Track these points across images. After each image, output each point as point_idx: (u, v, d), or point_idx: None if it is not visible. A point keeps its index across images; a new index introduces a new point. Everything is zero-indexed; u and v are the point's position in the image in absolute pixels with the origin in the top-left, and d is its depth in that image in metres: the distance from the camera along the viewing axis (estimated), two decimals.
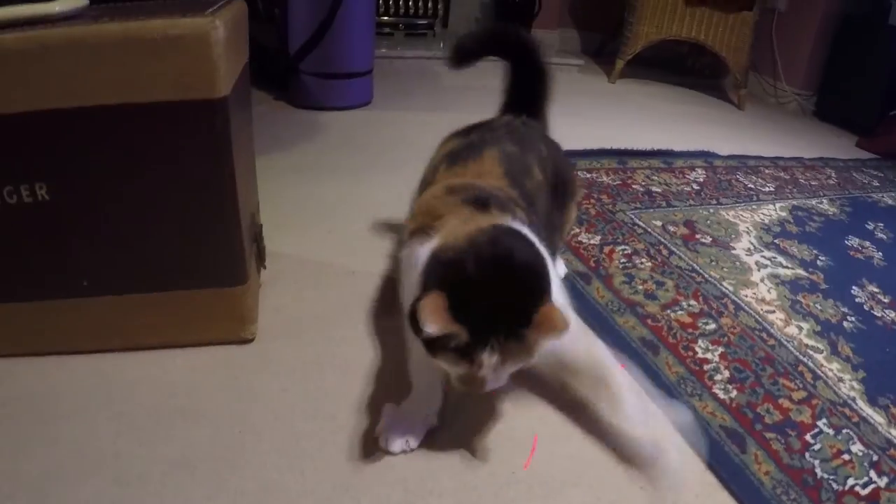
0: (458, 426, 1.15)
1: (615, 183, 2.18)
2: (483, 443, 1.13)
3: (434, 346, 0.89)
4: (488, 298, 0.87)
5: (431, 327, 0.83)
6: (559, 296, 0.99)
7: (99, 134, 1.06)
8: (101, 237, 1.13)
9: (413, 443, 1.08)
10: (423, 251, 0.97)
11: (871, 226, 2.27)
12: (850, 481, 1.16)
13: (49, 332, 1.19)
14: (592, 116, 2.54)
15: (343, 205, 1.84)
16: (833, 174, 2.70)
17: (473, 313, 0.86)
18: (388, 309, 1.39)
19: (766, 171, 2.53)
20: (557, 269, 1.23)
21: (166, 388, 1.15)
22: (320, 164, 2.08)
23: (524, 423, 1.18)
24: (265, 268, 1.44)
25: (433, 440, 1.12)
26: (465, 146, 1.24)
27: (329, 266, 1.55)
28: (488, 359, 0.88)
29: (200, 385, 1.17)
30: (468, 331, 0.86)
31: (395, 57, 3.33)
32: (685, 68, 4.03)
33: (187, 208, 1.14)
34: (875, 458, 1.22)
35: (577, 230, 1.82)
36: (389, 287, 1.49)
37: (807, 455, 1.20)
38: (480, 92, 1.69)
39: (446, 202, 1.03)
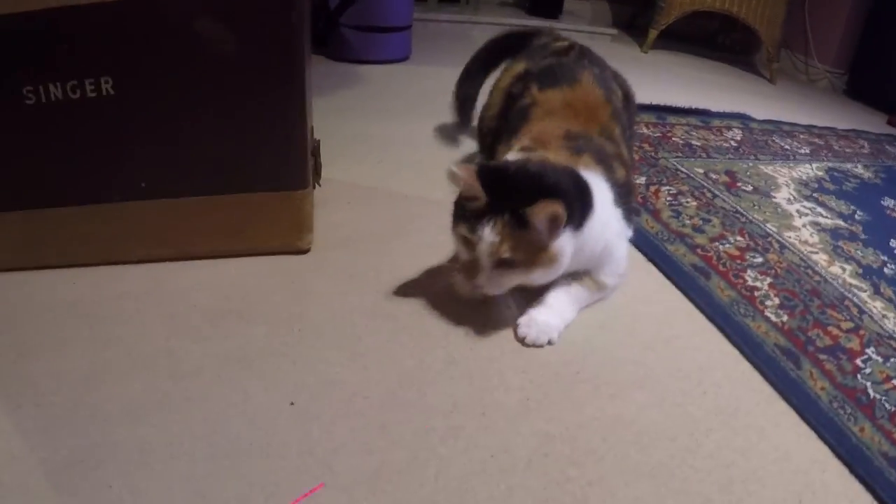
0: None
1: (655, 135, 2.19)
2: (546, 351, 1.14)
3: (457, 213, 1.06)
4: (507, 188, 1.02)
5: (461, 179, 1.02)
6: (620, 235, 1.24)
7: (170, 25, 1.03)
8: (165, 134, 1.10)
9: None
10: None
11: None
12: None
13: (101, 240, 1.15)
14: (629, 80, 2.56)
15: (389, 141, 1.85)
16: (866, 145, 2.70)
17: (492, 192, 1.01)
18: (443, 229, 1.39)
19: (801, 136, 2.53)
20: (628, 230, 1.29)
21: (221, 292, 1.14)
22: (364, 108, 2.09)
23: (584, 329, 1.19)
24: (320, 185, 1.44)
25: (501, 339, 1.14)
26: (548, 68, 1.37)
27: (381, 191, 1.56)
28: (489, 233, 1.00)
29: (256, 289, 1.16)
30: (486, 197, 1.01)
31: (430, 20, 3.34)
32: (716, 44, 4.01)
33: (257, 105, 1.12)
34: None
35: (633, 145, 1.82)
36: (443, 210, 1.50)
37: (858, 377, 1.22)
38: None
39: (560, 146, 1.17)
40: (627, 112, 1.43)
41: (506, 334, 1.16)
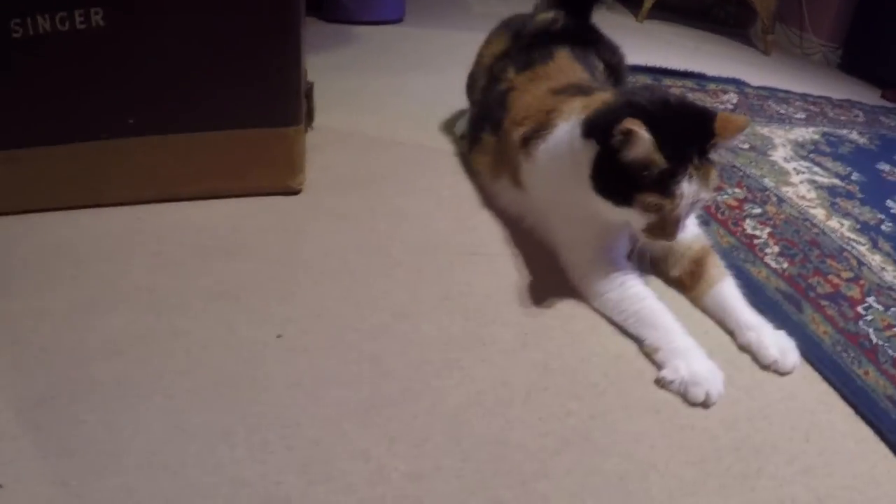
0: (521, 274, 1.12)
1: None
2: (543, 289, 1.10)
3: (628, 180, 0.93)
4: (675, 127, 0.92)
5: (638, 143, 0.89)
6: None
7: None
8: (155, 68, 1.06)
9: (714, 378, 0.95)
10: (563, 133, 1.05)
11: None
12: None
13: (85, 180, 1.11)
14: (623, 47, 2.54)
15: (383, 94, 1.82)
16: (861, 114, 2.68)
17: (666, 139, 0.90)
18: (441, 174, 1.37)
19: (796, 103, 2.51)
20: None
21: (208, 230, 1.10)
22: (360, 65, 2.06)
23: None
24: (312, 128, 1.41)
25: (497, 277, 1.10)
26: (525, 48, 1.35)
27: (375, 138, 1.54)
28: (688, 187, 0.92)
29: (246, 227, 1.12)
30: (666, 160, 0.91)
31: None
32: (712, 17, 3.98)
33: (250, 40, 1.08)
34: None
35: None
36: (437, 156, 1.46)
37: (860, 323, 1.19)
38: (511, 7, 1.69)
39: (555, 100, 1.12)
40: (612, 81, 1.39)
41: (502, 270, 1.12)
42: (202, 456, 0.72)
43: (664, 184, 0.92)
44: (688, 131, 0.94)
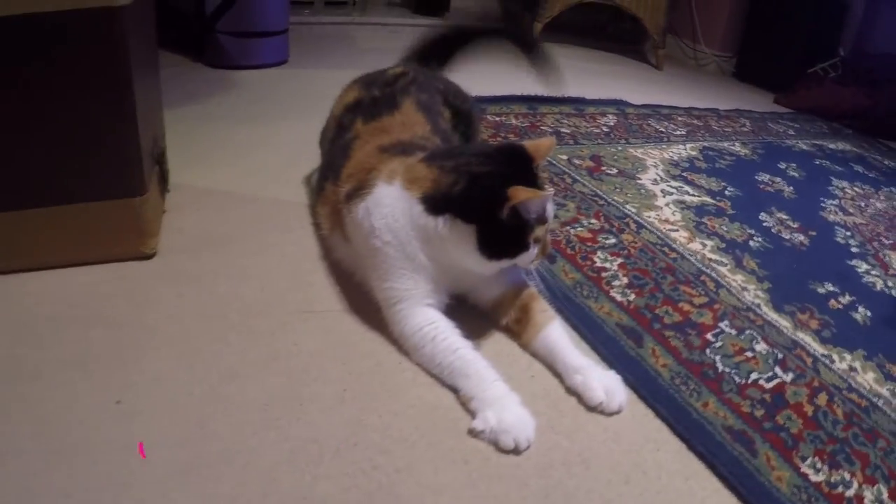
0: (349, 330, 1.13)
1: (523, 125, 2.20)
2: (369, 344, 1.12)
3: (525, 235, 1.05)
4: (518, 168, 1.08)
5: (541, 198, 1.02)
6: None
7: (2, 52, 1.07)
8: (2, 149, 1.13)
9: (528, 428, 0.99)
10: (385, 199, 1.11)
11: (783, 165, 2.34)
12: (754, 375, 1.20)
13: None
14: (507, 75, 2.59)
15: (251, 146, 1.85)
16: (748, 123, 2.78)
17: (530, 183, 1.04)
18: (290, 228, 1.44)
19: (679, 119, 2.59)
20: None
21: (66, 300, 1.15)
22: (233, 114, 2.08)
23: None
24: (168, 191, 1.45)
25: (325, 334, 1.11)
26: (374, 99, 1.40)
27: (233, 194, 1.57)
28: (550, 206, 1.08)
29: (99, 295, 1.17)
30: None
31: (314, 23, 3.33)
32: (606, 35, 4.09)
33: (88, 119, 1.15)
34: (780, 356, 1.25)
35: None
36: (291, 209, 1.51)
37: (707, 351, 1.22)
38: (394, 53, 1.74)
39: (378, 158, 1.19)
40: (462, 127, 1.48)
41: (332, 327, 1.16)
42: None
43: (542, 215, 1.06)
44: (520, 164, 1.08)
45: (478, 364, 1.03)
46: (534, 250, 1.08)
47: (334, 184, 1.27)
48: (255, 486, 0.86)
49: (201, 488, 0.84)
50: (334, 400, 1.00)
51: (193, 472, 0.86)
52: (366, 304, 1.19)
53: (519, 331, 1.15)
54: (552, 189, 1.11)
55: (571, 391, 1.07)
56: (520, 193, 1.00)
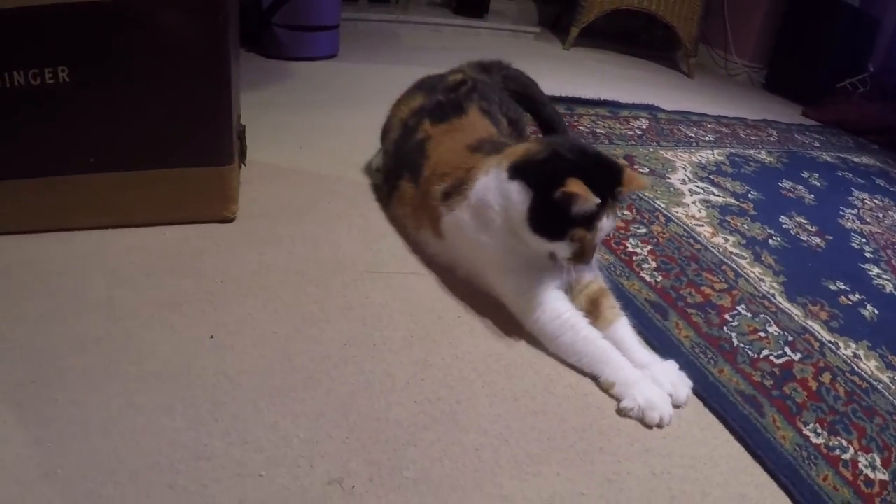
0: (413, 288, 1.34)
1: None
2: (431, 301, 1.33)
3: (565, 224, 1.15)
4: (595, 173, 1.15)
5: (588, 201, 1.11)
6: None
7: (117, 24, 1.26)
8: (111, 116, 1.31)
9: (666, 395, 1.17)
10: (483, 188, 1.25)
11: (805, 175, 2.51)
12: (765, 352, 1.37)
13: (52, 209, 1.35)
14: (545, 76, 2.77)
15: (312, 130, 2.04)
16: (775, 133, 2.95)
17: (590, 183, 1.12)
18: (356, 203, 1.65)
19: (708, 126, 2.77)
20: None
21: (157, 252, 1.34)
22: (291, 101, 2.28)
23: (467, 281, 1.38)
24: (245, 165, 1.64)
25: (392, 289, 1.32)
26: (439, 103, 1.54)
27: (301, 171, 1.77)
28: (606, 222, 1.17)
29: (187, 250, 1.36)
30: (599, 203, 1.14)
31: (360, 20, 3.52)
32: (639, 42, 4.28)
33: (189, 94, 1.35)
34: (790, 338, 1.43)
35: None
36: (354, 187, 1.73)
37: (725, 328, 1.41)
38: (438, 51, 1.94)
39: (473, 158, 1.33)
40: (516, 134, 1.60)
41: (398, 285, 1.36)
42: (148, 426, 0.95)
43: (591, 220, 1.15)
44: (605, 178, 1.17)
45: (613, 352, 1.19)
46: (569, 247, 1.17)
47: (413, 182, 1.44)
48: (336, 407, 1.04)
49: (289, 408, 1.02)
50: (403, 343, 1.20)
51: (281, 395, 1.04)
52: (427, 268, 1.41)
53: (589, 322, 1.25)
54: (618, 215, 1.24)
55: None
56: (575, 186, 1.10)
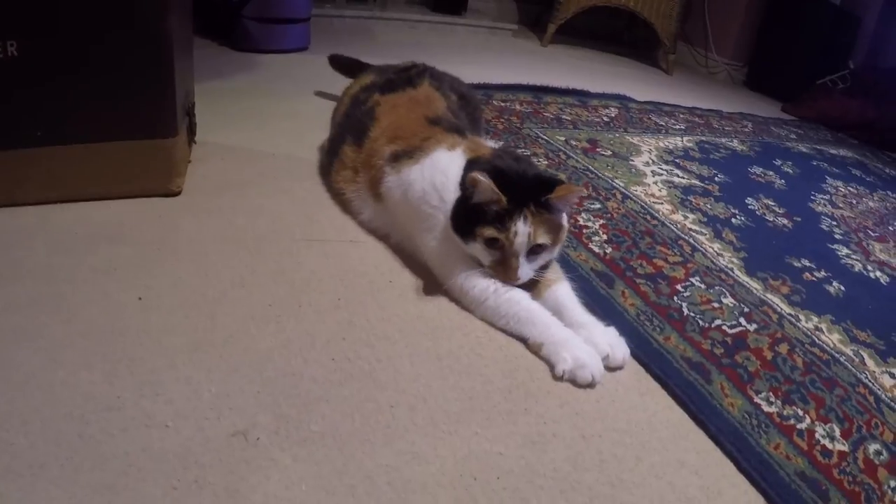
0: (347, 256, 1.31)
1: (527, 110, 2.36)
2: (362, 266, 1.30)
3: (475, 220, 1.15)
4: (519, 181, 1.17)
5: (482, 188, 1.12)
6: None
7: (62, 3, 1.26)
8: (59, 89, 1.32)
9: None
10: (440, 164, 1.27)
11: (778, 162, 2.48)
12: (718, 322, 1.34)
13: (2, 183, 1.33)
14: (521, 70, 2.76)
15: (271, 115, 2.06)
16: (750, 125, 2.92)
17: (509, 188, 1.14)
18: (301, 179, 1.65)
19: (681, 116, 2.74)
20: None
21: (99, 223, 1.33)
22: (256, 90, 2.30)
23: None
24: (195, 143, 1.65)
25: (323, 253, 1.27)
26: (389, 80, 1.61)
27: (253, 150, 1.77)
28: (522, 226, 1.14)
29: (129, 221, 1.36)
30: (507, 198, 1.13)
31: (335, 16, 3.52)
32: (620, 41, 4.26)
33: (129, 63, 1.35)
34: (746, 310, 1.39)
35: (483, 137, 1.98)
36: (304, 165, 1.73)
37: (675, 298, 1.37)
38: (412, 46, 1.95)
39: (432, 129, 1.36)
40: (468, 108, 1.66)
41: (332, 253, 1.34)
42: (66, 380, 0.95)
43: (502, 220, 1.13)
44: (529, 184, 1.17)
45: (541, 313, 1.16)
46: (486, 252, 1.18)
47: (356, 145, 1.45)
48: (252, 364, 1.02)
49: (205, 364, 1.01)
50: (329, 306, 1.18)
51: (199, 352, 1.03)
52: (365, 236, 1.39)
53: (530, 285, 1.24)
54: (557, 230, 1.21)
55: None
56: (477, 176, 1.12)
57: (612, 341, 1.16)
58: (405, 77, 1.62)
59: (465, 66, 1.82)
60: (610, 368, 1.14)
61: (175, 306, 1.13)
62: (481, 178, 1.12)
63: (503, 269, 1.17)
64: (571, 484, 0.91)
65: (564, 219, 1.23)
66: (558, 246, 1.23)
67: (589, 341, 1.14)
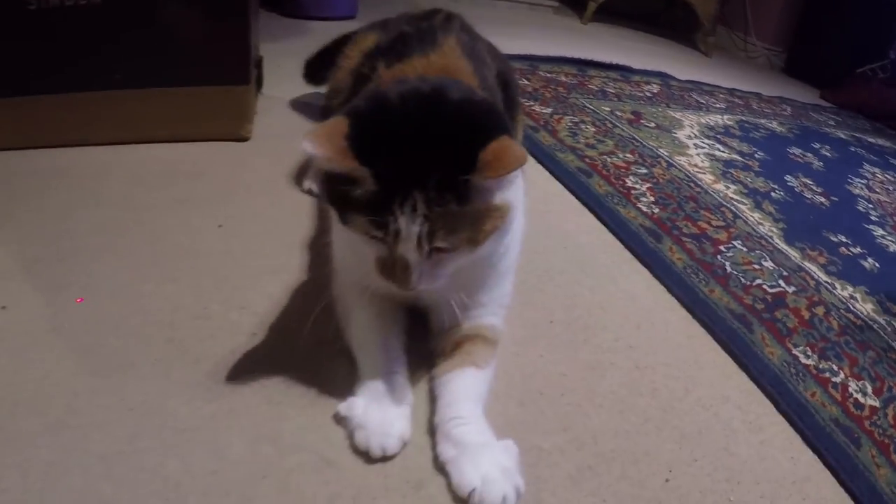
0: None
1: (572, 82, 2.46)
2: None
3: (345, 200, 0.78)
4: (412, 137, 0.75)
5: (318, 151, 0.74)
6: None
7: None
8: (136, 35, 1.42)
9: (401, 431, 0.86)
10: None
11: (816, 146, 2.56)
12: (759, 281, 1.43)
13: (77, 123, 1.44)
14: (562, 45, 2.85)
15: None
16: (789, 109, 3.00)
17: (389, 153, 0.74)
18: None
19: (721, 96, 2.83)
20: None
21: (174, 162, 1.45)
22: (308, 52, 2.37)
23: None
24: (262, 93, 1.77)
25: None
26: (402, 36, 1.08)
27: (312, 105, 1.87)
28: (407, 222, 0.74)
29: (203, 160, 1.48)
30: (374, 173, 0.74)
31: None
32: (659, 22, 4.34)
33: (213, 12, 1.47)
34: (785, 273, 1.49)
35: (531, 102, 2.09)
36: None
37: (719, 257, 1.47)
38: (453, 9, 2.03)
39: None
40: (505, 94, 1.13)
41: None
42: (154, 292, 1.06)
43: (376, 208, 0.75)
44: (430, 151, 0.75)
45: (379, 351, 0.93)
46: (369, 244, 0.81)
47: None
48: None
49: (286, 284, 1.13)
50: None
51: (280, 273, 1.15)
52: None
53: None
54: (483, 228, 0.80)
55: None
56: (313, 134, 0.76)
57: (490, 472, 0.80)
58: (423, 31, 1.06)
59: (507, 38, 1.90)
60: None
61: (254, 234, 1.24)
62: (319, 132, 0.75)
63: (390, 272, 0.81)
64: (628, 406, 1.02)
65: (505, 194, 0.80)
66: (491, 240, 0.83)
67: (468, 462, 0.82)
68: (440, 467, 0.84)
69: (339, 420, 0.87)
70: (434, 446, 0.86)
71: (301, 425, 0.88)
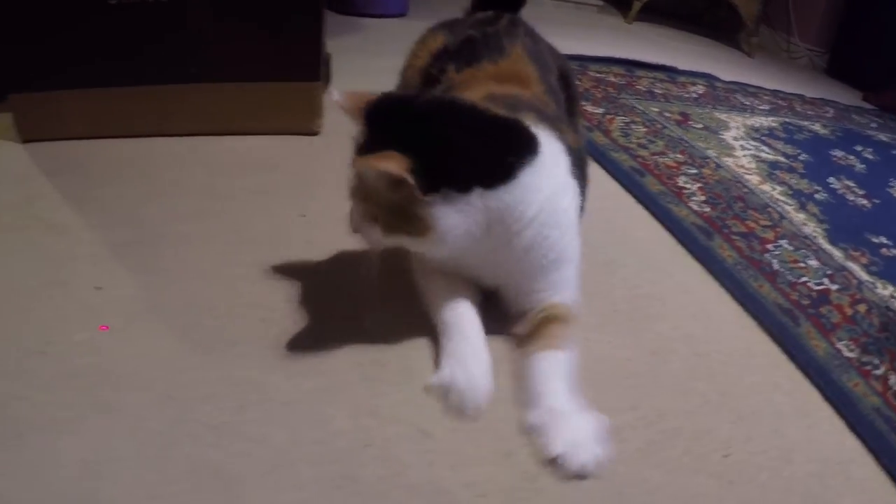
0: None
1: (621, 82, 2.56)
2: None
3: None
4: (388, 125, 0.97)
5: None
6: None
7: None
8: (212, 31, 1.53)
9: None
10: None
11: (859, 148, 2.62)
12: (804, 279, 1.52)
13: (154, 115, 1.55)
14: (608, 45, 2.94)
15: (382, 72, 2.19)
16: (832, 111, 3.06)
17: (376, 127, 0.97)
18: None
19: (765, 97, 2.90)
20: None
21: (249, 154, 1.56)
22: (363, 49, 2.52)
23: None
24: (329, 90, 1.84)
25: None
26: (469, 40, 1.23)
27: None
28: (359, 161, 0.95)
29: (276, 152, 1.59)
30: (368, 126, 0.97)
31: None
32: (702, 22, 4.41)
33: (287, 10, 1.56)
34: (829, 272, 1.57)
35: (584, 102, 2.19)
36: None
37: (766, 255, 1.57)
38: None
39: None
40: (566, 93, 1.30)
41: None
42: (248, 274, 1.15)
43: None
44: (393, 135, 0.96)
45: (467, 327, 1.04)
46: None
47: None
48: None
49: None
50: None
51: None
52: None
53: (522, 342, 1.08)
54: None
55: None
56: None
57: (577, 438, 0.89)
58: (490, 37, 1.21)
59: (555, 38, 1.99)
60: (570, 474, 0.89)
61: (335, 225, 1.27)
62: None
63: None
64: (688, 388, 1.12)
65: (435, 213, 0.93)
66: (409, 240, 0.98)
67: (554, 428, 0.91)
68: (527, 435, 0.94)
69: (431, 390, 0.97)
70: (522, 417, 0.96)
71: (397, 400, 0.97)
